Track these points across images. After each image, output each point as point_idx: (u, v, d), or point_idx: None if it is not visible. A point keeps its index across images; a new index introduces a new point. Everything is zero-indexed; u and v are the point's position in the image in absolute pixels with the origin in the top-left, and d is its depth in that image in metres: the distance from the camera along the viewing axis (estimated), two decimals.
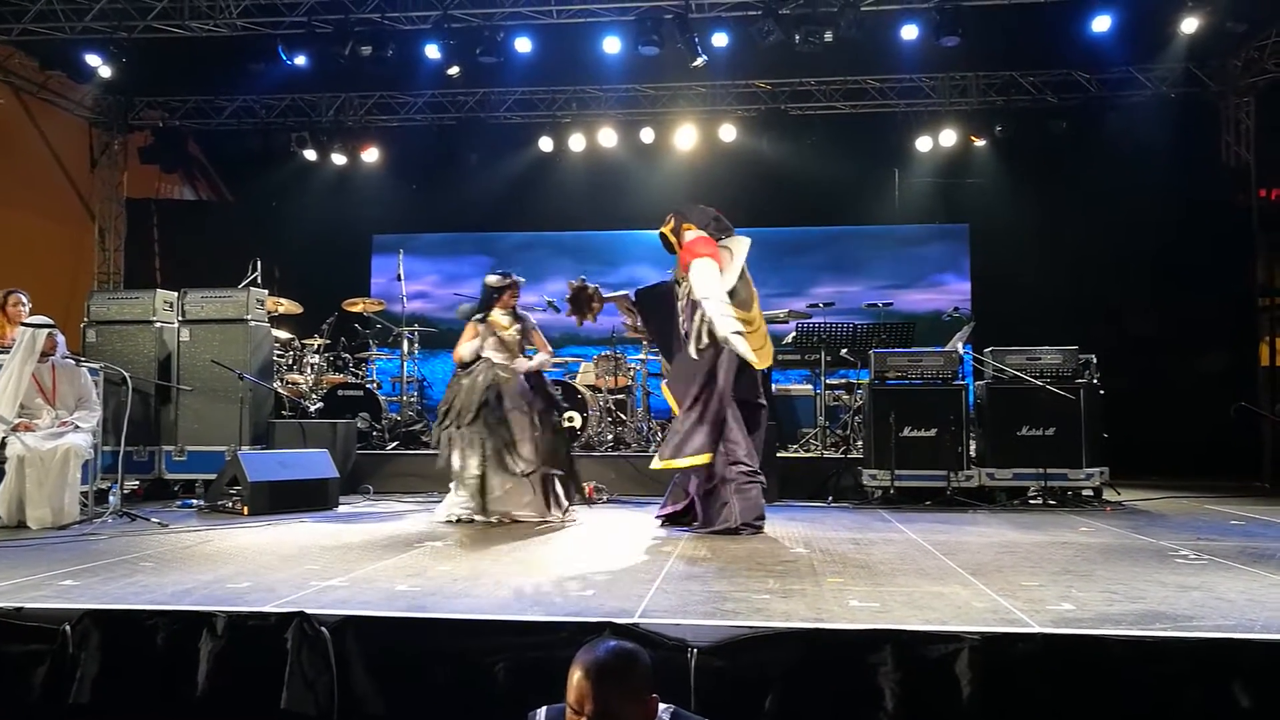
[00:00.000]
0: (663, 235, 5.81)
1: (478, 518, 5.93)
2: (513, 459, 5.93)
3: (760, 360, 5.49)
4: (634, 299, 6.16)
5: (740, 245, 5.65)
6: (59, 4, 9.16)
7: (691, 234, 5.60)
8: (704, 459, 5.41)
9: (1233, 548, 4.78)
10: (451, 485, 6.11)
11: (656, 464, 5.65)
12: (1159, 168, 10.06)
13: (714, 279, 5.39)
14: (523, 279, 6.39)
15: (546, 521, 5.95)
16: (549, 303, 8.56)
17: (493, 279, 6.21)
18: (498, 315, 6.19)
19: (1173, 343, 10.05)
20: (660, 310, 5.98)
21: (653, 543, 5.14)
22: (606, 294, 6.24)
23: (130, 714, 3.12)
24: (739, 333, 5.23)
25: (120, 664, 3.10)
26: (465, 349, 6.14)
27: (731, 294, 5.44)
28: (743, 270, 5.60)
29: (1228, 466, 9.05)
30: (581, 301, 6.17)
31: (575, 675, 2.19)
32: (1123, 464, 7.47)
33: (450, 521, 5.95)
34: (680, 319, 5.73)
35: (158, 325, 7.59)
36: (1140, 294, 10.20)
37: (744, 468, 5.45)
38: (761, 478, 5.58)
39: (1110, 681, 2.84)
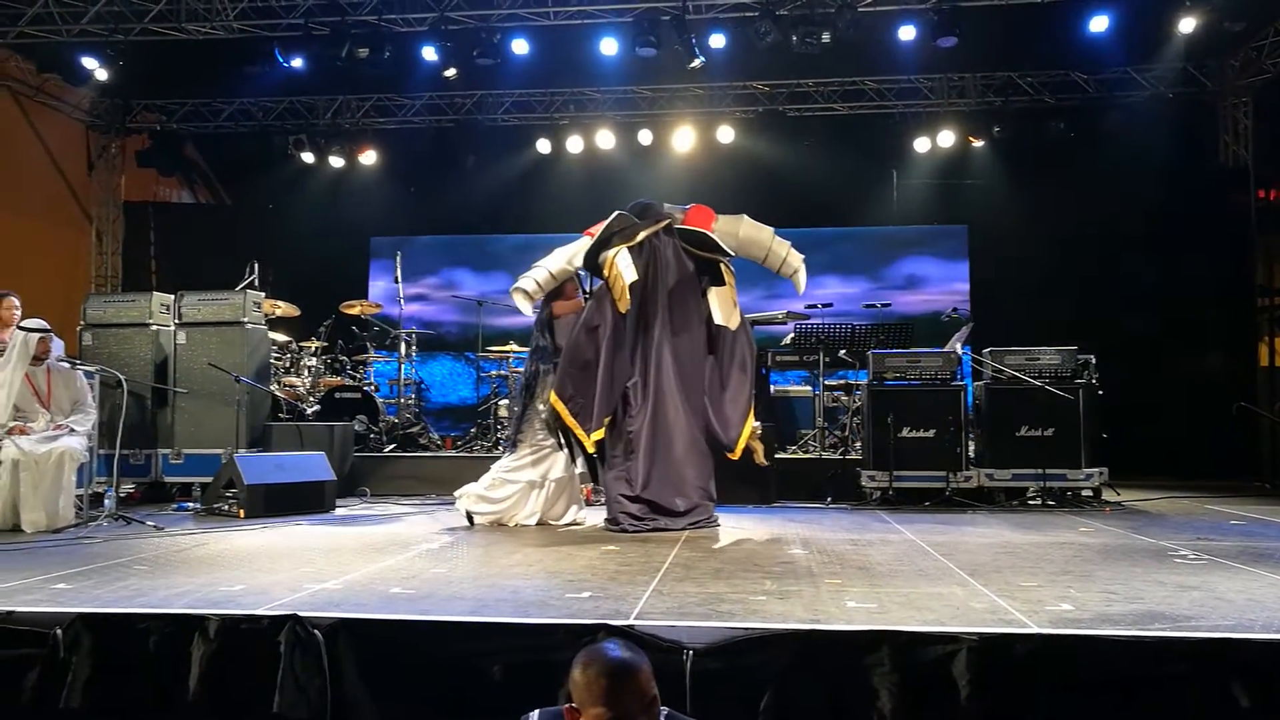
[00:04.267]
0: None
1: (524, 521, 5.86)
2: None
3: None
4: None
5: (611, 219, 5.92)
6: (55, 7, 9.16)
7: None
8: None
9: (1232, 548, 4.76)
10: (490, 481, 5.94)
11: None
12: (1157, 168, 10.06)
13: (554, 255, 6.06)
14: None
15: (577, 524, 5.96)
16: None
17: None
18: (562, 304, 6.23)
19: (1172, 343, 10.03)
20: None
21: (649, 544, 5.11)
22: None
23: (122, 718, 3.10)
24: (519, 289, 5.97)
25: (111, 668, 3.08)
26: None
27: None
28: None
29: (1228, 466, 9.03)
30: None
31: (588, 675, 2.13)
32: (1122, 464, 7.44)
33: (472, 524, 5.88)
34: None
35: (154, 328, 7.58)
36: (1139, 294, 10.16)
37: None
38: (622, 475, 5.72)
39: (1109, 682, 2.82)
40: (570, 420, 5.60)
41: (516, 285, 6.00)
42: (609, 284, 5.74)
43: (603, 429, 5.63)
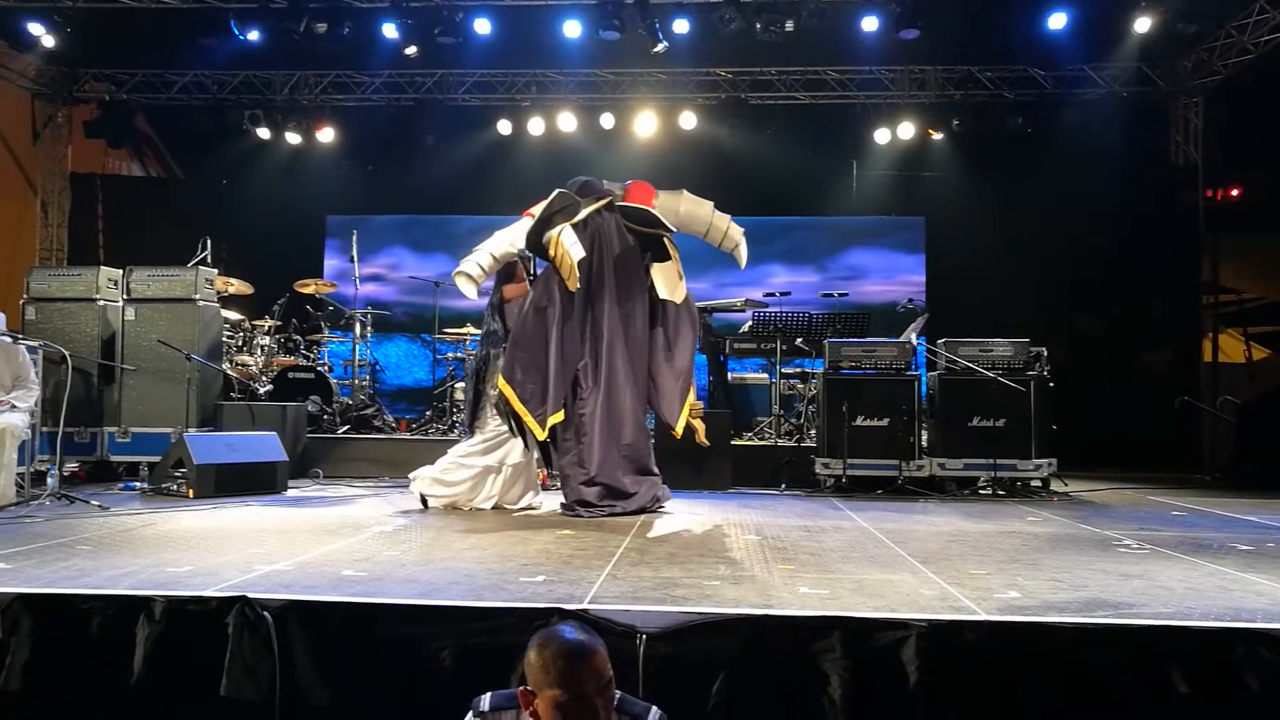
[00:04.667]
0: None
1: (479, 505, 5.82)
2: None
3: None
4: None
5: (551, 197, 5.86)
6: None
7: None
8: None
9: (1173, 538, 4.88)
10: (446, 465, 5.89)
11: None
12: (1111, 166, 10.20)
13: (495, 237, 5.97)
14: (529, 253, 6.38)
15: (533, 509, 5.93)
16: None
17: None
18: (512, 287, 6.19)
19: (1121, 337, 10.25)
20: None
21: (605, 528, 5.11)
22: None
23: (64, 701, 3.04)
24: (462, 272, 5.81)
25: (53, 650, 3.02)
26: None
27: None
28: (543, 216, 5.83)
29: (1171, 459, 9.25)
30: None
31: (544, 656, 2.13)
32: (1070, 455, 7.59)
33: (426, 507, 5.83)
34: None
35: (101, 303, 7.40)
36: (1091, 289, 10.36)
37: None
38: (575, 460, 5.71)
39: (1053, 668, 2.88)
40: (519, 405, 5.51)
41: (459, 269, 5.85)
42: (556, 263, 5.64)
43: (560, 412, 5.57)
